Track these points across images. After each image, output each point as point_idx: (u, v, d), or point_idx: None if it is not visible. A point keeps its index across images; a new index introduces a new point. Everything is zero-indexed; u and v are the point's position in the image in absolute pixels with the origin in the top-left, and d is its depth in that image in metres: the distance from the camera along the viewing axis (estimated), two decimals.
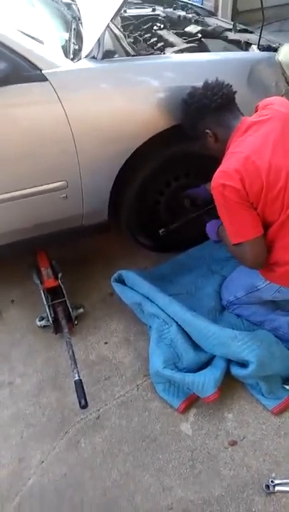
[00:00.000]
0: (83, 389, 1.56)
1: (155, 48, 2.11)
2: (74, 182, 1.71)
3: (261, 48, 2.03)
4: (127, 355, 1.82)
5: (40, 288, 1.95)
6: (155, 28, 2.37)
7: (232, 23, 2.45)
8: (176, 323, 1.75)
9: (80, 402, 1.52)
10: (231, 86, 1.48)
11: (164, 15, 2.53)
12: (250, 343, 1.57)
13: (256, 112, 1.50)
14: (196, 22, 2.46)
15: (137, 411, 1.63)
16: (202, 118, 1.49)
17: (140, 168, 1.79)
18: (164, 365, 1.63)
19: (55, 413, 1.64)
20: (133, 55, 1.76)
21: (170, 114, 1.64)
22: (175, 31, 2.31)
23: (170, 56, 1.78)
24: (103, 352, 1.84)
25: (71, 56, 1.63)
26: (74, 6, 2.08)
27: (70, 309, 1.88)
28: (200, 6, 2.86)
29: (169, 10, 2.69)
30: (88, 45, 1.55)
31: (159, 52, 1.94)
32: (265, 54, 1.86)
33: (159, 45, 2.15)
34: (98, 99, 1.57)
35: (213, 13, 2.84)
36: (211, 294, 1.90)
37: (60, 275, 1.99)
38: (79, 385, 1.57)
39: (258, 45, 2.05)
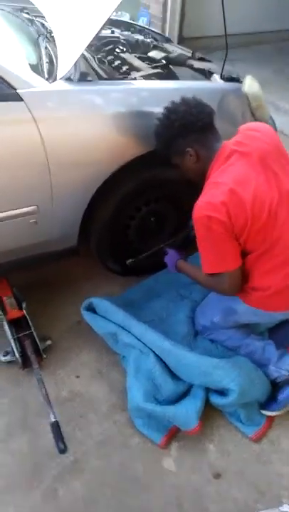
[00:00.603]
0: (61, 431, 1.45)
1: (121, 71, 2.09)
2: (45, 207, 1.62)
3: (224, 78, 2.09)
4: (101, 388, 1.73)
5: (3, 319, 1.80)
6: (117, 50, 2.35)
7: (190, 50, 2.51)
8: (154, 352, 1.70)
9: (58, 447, 1.42)
10: (209, 106, 1.47)
11: (123, 38, 2.52)
12: (231, 370, 1.57)
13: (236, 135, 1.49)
14: (156, 47, 2.48)
15: (116, 449, 1.54)
16: (184, 136, 1.43)
17: (114, 192, 1.74)
18: (144, 399, 1.57)
19: (27, 459, 1.51)
20: (105, 78, 1.72)
21: (147, 139, 1.61)
22: (138, 55, 2.30)
23: (147, 82, 1.75)
24: (75, 387, 1.73)
25: (46, 76, 1.54)
26: (37, 22, 2.00)
27: (38, 342, 1.75)
28: (157, 32, 2.89)
29: (126, 33, 2.69)
30: (64, 65, 1.48)
31: (126, 76, 1.91)
32: (234, 85, 1.91)
33: (124, 68, 2.13)
34: (75, 122, 1.50)
35: (169, 40, 2.89)
36: (182, 320, 1.88)
37: (24, 304, 1.86)
38: (56, 427, 1.46)
39: (221, 75, 2.11)
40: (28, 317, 1.80)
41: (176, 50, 2.45)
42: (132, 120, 1.59)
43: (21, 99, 1.39)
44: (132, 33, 2.72)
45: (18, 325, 1.81)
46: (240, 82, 2.03)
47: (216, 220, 1.32)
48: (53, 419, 1.47)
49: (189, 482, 1.47)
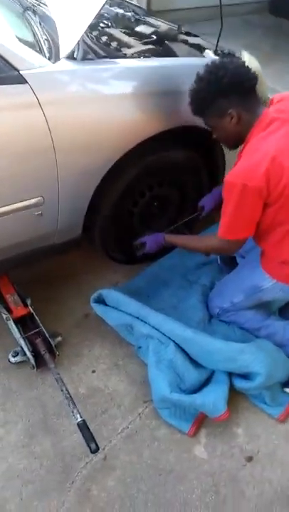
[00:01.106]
0: (90, 430, 1.39)
1: (111, 48, 1.97)
2: (51, 197, 1.51)
3: (218, 54, 2.01)
4: (120, 381, 1.68)
5: (9, 318, 1.70)
6: (102, 25, 2.21)
7: (174, 25, 2.40)
8: (173, 341, 1.66)
9: (89, 447, 1.35)
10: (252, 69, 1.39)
11: (103, 11, 2.38)
12: (256, 354, 1.56)
13: (272, 104, 1.43)
14: (138, 21, 2.36)
15: (145, 443, 1.51)
16: (228, 96, 1.34)
17: (119, 177, 1.65)
18: (170, 390, 1.53)
19: (54, 462, 1.45)
20: (104, 56, 1.61)
21: (158, 119, 1.53)
22: (124, 31, 2.18)
23: (154, 59, 1.64)
24: (93, 382, 1.67)
25: (47, 55, 1.41)
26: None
27: (50, 339, 1.67)
28: (136, 4, 2.76)
29: (105, 7, 2.54)
30: (67, 43, 1.36)
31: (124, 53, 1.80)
32: (236, 59, 1.84)
33: (114, 44, 2.01)
34: (82, 104, 1.40)
35: (148, 13, 2.76)
36: (195, 305, 1.85)
37: (28, 301, 1.76)
38: (84, 427, 1.40)
39: (216, 50, 2.03)
40: (34, 314, 1.72)
41: (161, 24, 2.34)
42: (142, 99, 1.50)
43: (25, 82, 1.27)
44: (111, 6, 2.57)
45: (24, 323, 1.72)
46: (236, 57, 1.97)
47: (252, 188, 1.27)
48: (80, 419, 1.41)
49: (223, 468, 1.46)
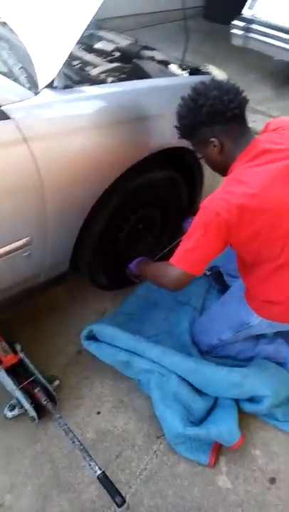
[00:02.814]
0: (111, 482, 1.30)
1: (74, 67, 1.87)
2: (39, 236, 1.40)
3: (185, 69, 1.98)
4: (129, 419, 1.60)
5: None
6: None
7: (130, 38, 2.34)
8: (175, 373, 1.60)
9: (115, 502, 1.26)
10: (244, 92, 1.29)
11: None
12: (260, 376, 1.55)
13: (266, 130, 1.39)
14: (91, 36, 2.27)
15: (167, 482, 1.44)
16: (210, 125, 1.27)
17: (106, 204, 1.56)
18: (183, 425, 1.48)
19: None
20: (79, 81, 1.52)
21: (146, 143, 1.48)
22: (83, 47, 2.08)
23: (134, 82, 1.55)
24: (100, 425, 1.58)
25: (27, 86, 1.29)
26: None
27: (48, 386, 1.55)
28: None
29: None
30: (46, 72, 1.25)
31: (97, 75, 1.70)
32: (208, 77, 1.82)
33: (76, 64, 1.91)
34: (69, 136, 1.29)
35: (99, 24, 2.68)
36: (188, 330, 1.80)
37: (18, 346, 1.63)
38: (105, 479, 1.30)
39: (181, 65, 2.00)
40: (27, 360, 1.59)
41: (118, 38, 2.27)
42: (129, 125, 1.44)
43: (8, 117, 1.15)
44: None
45: (16, 372, 1.59)
46: (204, 72, 1.95)
47: (223, 220, 1.19)
48: (99, 472, 1.31)
49: (249, 495, 1.43)
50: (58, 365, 1.73)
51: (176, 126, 1.37)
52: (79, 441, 1.39)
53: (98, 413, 1.61)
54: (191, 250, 1.27)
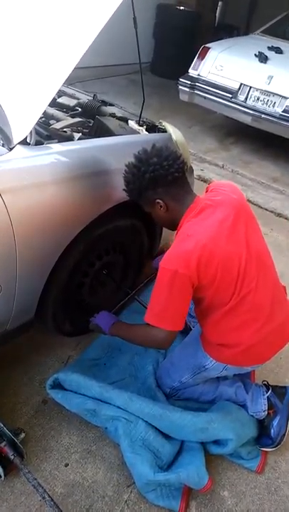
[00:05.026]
0: None
1: (39, 121, 1.94)
2: (8, 286, 1.41)
3: (143, 126, 2.12)
4: (98, 469, 1.57)
5: None
6: None
7: (89, 94, 2.48)
8: (142, 418, 1.61)
9: None
10: (182, 156, 1.44)
11: None
12: (224, 421, 1.60)
13: (207, 192, 1.53)
14: None
15: None
16: (154, 188, 1.40)
17: (73, 252, 1.61)
18: (153, 472, 1.48)
19: None
20: (47, 135, 1.59)
21: (112, 195, 1.56)
22: None
23: (98, 140, 1.65)
24: (69, 477, 1.53)
25: (1, 142, 1.34)
26: None
27: (15, 439, 1.49)
28: None
29: None
30: (20, 129, 1.31)
31: (63, 131, 1.79)
32: (165, 135, 1.97)
33: (40, 117, 1.99)
34: (38, 189, 1.35)
35: None
36: (153, 373, 1.84)
37: None
38: None
39: (139, 121, 2.15)
40: None
41: (78, 94, 2.40)
42: (97, 178, 1.53)
43: None
44: None
45: None
46: (160, 129, 2.10)
47: (182, 275, 1.31)
48: None
49: None
50: (23, 416, 1.68)
51: (124, 190, 1.49)
52: (50, 496, 1.34)
53: (66, 465, 1.57)
54: (164, 310, 1.38)
